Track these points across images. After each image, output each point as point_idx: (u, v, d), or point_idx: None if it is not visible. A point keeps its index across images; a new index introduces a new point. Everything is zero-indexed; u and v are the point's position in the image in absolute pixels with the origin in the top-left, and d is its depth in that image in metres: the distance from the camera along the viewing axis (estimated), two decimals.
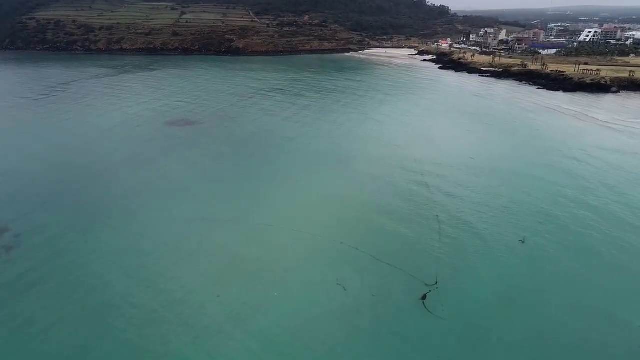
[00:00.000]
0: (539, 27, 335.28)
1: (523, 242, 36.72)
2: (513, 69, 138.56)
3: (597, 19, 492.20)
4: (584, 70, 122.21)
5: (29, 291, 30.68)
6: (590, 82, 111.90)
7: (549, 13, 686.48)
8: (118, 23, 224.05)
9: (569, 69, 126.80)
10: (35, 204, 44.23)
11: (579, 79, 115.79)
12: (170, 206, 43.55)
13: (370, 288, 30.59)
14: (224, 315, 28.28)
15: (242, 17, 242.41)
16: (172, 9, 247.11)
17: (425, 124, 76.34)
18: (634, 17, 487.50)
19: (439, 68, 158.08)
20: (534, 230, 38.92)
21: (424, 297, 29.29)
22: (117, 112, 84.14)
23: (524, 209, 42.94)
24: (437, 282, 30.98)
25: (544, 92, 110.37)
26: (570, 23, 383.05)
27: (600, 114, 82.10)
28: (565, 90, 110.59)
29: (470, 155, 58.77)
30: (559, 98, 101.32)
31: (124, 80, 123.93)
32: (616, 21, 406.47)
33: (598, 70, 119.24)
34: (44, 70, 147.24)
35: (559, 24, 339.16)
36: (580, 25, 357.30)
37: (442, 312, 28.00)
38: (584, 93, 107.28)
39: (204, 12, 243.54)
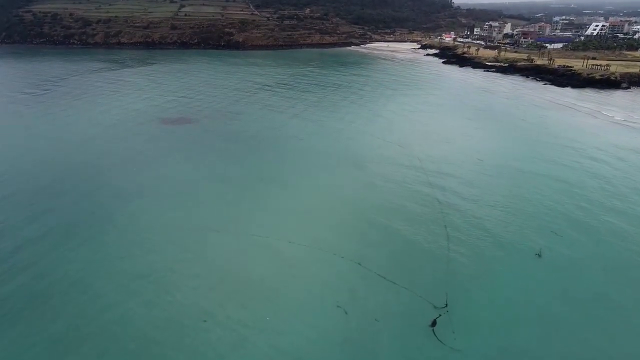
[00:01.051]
0: (544, 20, 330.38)
1: (540, 256, 33.78)
2: (519, 63, 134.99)
3: (602, 11, 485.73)
4: (593, 65, 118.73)
5: (6, 316, 27.89)
6: (600, 77, 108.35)
7: (552, 6, 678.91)
8: (116, 16, 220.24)
9: (577, 64, 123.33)
10: (22, 210, 41.34)
11: (588, 74, 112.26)
12: (164, 213, 40.56)
13: (373, 311, 27.70)
14: (213, 342, 25.47)
15: (242, 10, 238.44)
16: (171, 1, 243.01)
17: (431, 122, 72.91)
18: (639, 9, 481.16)
19: (443, 63, 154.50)
20: (555, 239, 35.92)
21: (433, 324, 26.41)
22: (114, 109, 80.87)
23: (541, 215, 39.95)
24: (447, 305, 28.09)
25: (551, 87, 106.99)
26: (575, 16, 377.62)
27: (614, 112, 78.77)
28: (574, 86, 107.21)
29: (479, 156, 55.73)
30: (569, 94, 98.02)
31: (121, 75, 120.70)
32: (621, 14, 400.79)
33: (607, 65, 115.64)
34: (40, 64, 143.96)
35: (563, 17, 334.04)
36: (586, 18, 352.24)
37: (454, 341, 25.11)
38: (593, 89, 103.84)
39: (204, 5, 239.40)
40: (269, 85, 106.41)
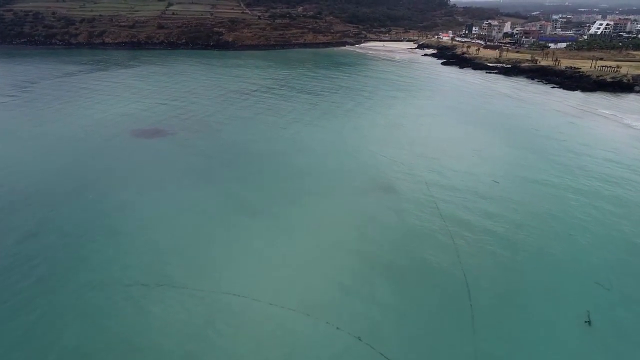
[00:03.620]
0: (541, 18, 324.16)
1: (590, 324, 26.48)
2: (523, 64, 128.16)
3: (597, 10, 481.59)
4: (602, 66, 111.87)
5: None
6: (611, 80, 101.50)
7: (547, 4, 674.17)
8: (100, 15, 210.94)
9: (585, 65, 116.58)
10: None
11: (598, 76, 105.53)
12: (116, 261, 32.72)
13: None
14: None
15: (232, 9, 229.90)
16: None
17: (438, 134, 64.72)
18: (634, 7, 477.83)
19: (442, 64, 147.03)
20: (609, 298, 28.64)
21: None
22: (89, 118, 72.64)
23: (587, 262, 32.65)
24: None
25: (560, 91, 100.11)
26: (572, 14, 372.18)
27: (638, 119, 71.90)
28: (584, 89, 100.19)
29: (494, 177, 48.32)
30: (581, 98, 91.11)
31: (103, 78, 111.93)
32: (616, 12, 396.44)
33: (617, 66, 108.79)
34: (17, 66, 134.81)
35: (560, 15, 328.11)
36: (584, 16, 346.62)
37: None
38: (604, 92, 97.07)
39: (193, 3, 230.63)
40: (259, 90, 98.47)
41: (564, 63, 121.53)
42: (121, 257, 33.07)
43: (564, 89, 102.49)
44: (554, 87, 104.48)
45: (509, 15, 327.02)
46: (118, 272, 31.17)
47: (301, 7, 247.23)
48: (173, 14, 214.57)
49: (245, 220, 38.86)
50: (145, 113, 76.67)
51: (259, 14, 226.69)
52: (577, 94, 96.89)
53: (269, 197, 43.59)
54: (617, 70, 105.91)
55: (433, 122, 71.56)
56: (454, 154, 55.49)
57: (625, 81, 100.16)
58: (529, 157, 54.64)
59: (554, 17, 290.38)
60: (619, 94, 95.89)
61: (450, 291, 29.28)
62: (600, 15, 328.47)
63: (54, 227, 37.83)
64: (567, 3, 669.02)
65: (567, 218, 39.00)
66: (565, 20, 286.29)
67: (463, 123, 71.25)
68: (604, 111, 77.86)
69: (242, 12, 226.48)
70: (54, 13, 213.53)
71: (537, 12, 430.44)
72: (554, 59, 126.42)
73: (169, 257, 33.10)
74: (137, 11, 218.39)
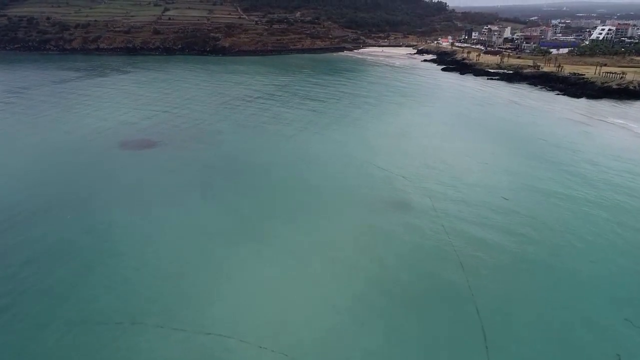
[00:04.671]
0: (540, 23, 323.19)
1: None
2: (525, 70, 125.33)
3: (595, 14, 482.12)
4: (606, 72, 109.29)
5: None
6: (617, 87, 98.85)
7: (544, 9, 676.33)
8: (95, 20, 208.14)
9: (588, 71, 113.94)
10: None
11: (603, 83, 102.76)
12: (87, 295, 29.39)
13: None
14: None
15: (229, 14, 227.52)
16: (155, 4, 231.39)
17: (445, 147, 60.91)
18: (631, 12, 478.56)
19: (442, 70, 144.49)
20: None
21: None
22: (79, 128, 68.90)
23: (614, 293, 29.49)
24: None
25: (565, 98, 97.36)
26: (570, 19, 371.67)
27: None
28: (589, 96, 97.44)
29: (506, 190, 45.28)
30: (587, 106, 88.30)
31: (99, 85, 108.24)
32: (614, 17, 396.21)
33: (623, 72, 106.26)
34: (9, 72, 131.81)
35: (559, 20, 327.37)
36: (583, 21, 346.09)
37: None
38: (610, 99, 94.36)
39: (189, 8, 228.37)
40: (262, 97, 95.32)
41: (567, 69, 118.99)
42: (87, 289, 29.72)
43: (568, 95, 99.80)
44: (558, 94, 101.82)
45: (508, 20, 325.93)
46: (98, 309, 27.95)
47: (299, 12, 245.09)
48: (169, 19, 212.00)
49: (242, 243, 35.54)
50: (144, 122, 73.37)
51: (256, 19, 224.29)
52: (583, 101, 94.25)
53: (269, 215, 40.30)
54: (622, 77, 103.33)
55: (439, 132, 68.38)
56: (463, 167, 52.29)
57: (632, 88, 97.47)
58: (540, 168, 51.54)
59: (554, 22, 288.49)
60: (626, 101, 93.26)
61: (466, 332, 26.14)
62: (599, 20, 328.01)
63: (31, 252, 34.47)
64: (564, 8, 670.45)
65: (590, 237, 35.91)
66: (564, 25, 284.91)
67: (469, 132, 68.25)
68: (614, 119, 74.98)
69: (239, 18, 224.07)
70: (48, 18, 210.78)
71: (536, 17, 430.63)
72: (557, 64, 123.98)
73: (145, 289, 29.75)
74: (132, 16, 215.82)
